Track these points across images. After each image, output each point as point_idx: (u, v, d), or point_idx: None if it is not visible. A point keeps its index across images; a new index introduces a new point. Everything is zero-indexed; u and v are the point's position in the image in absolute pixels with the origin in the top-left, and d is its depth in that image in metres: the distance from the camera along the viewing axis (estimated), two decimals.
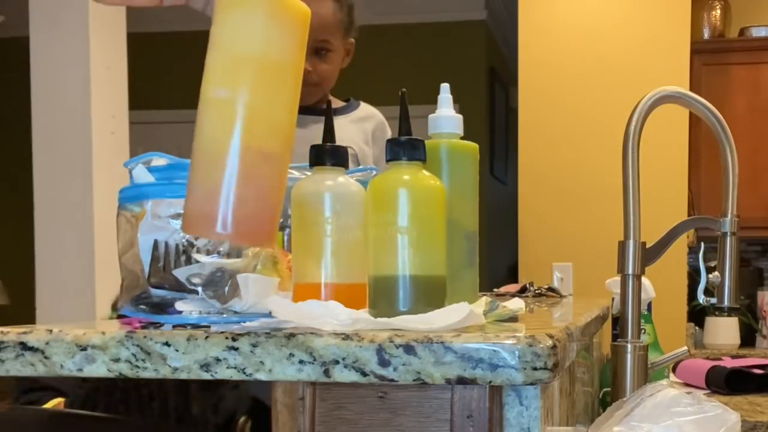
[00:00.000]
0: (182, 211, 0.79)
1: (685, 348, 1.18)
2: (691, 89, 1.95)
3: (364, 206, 0.76)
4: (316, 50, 1.70)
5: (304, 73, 0.70)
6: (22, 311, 2.85)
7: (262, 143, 0.57)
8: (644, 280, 1.16)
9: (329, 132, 0.79)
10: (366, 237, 0.75)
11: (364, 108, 1.89)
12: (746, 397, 1.70)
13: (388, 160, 0.75)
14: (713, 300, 1.12)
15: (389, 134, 1.83)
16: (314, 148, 0.78)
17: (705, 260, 1.10)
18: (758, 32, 3.76)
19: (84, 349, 0.68)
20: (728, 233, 1.11)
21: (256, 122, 0.58)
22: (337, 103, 1.86)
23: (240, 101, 0.58)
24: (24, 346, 0.69)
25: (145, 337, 0.68)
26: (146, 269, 0.81)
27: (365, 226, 0.75)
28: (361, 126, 1.84)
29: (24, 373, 0.69)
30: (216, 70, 0.59)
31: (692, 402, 0.81)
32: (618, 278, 1.11)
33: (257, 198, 0.58)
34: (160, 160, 0.83)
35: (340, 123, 1.81)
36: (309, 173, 0.80)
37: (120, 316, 0.85)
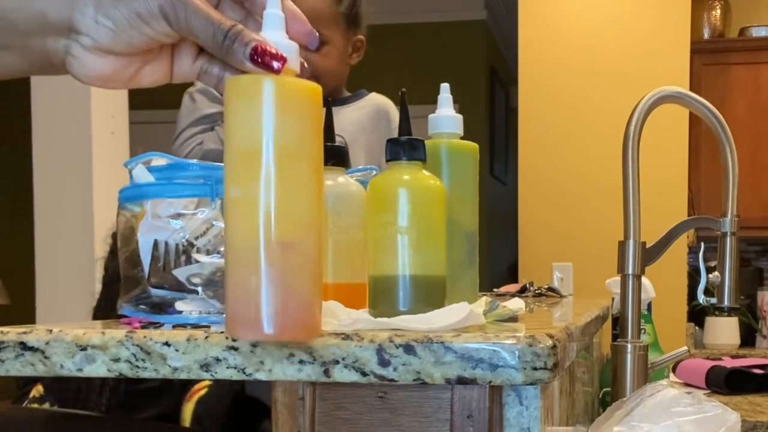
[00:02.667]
0: (184, 212, 0.79)
1: (685, 348, 1.18)
2: (691, 89, 1.95)
3: (364, 206, 0.76)
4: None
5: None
6: (22, 311, 2.85)
7: (279, 236, 0.57)
8: (644, 280, 1.16)
9: (329, 131, 0.79)
10: (366, 237, 0.75)
11: (372, 98, 1.88)
12: (746, 397, 1.70)
13: (388, 160, 0.75)
14: (713, 300, 1.12)
15: (395, 122, 1.81)
16: None
17: (705, 260, 1.10)
18: (758, 32, 3.76)
19: (84, 349, 0.68)
20: (728, 233, 1.11)
21: (271, 216, 0.57)
22: (344, 94, 1.86)
23: (252, 198, 0.57)
24: (24, 346, 0.69)
25: (145, 337, 0.68)
26: (146, 269, 0.81)
27: (365, 226, 0.75)
28: (360, 113, 1.84)
29: (24, 373, 0.69)
30: (229, 168, 0.59)
31: (692, 402, 0.81)
32: (618, 278, 1.11)
33: (285, 291, 0.57)
34: (160, 160, 0.83)
35: (342, 111, 1.81)
36: None
37: (120, 316, 0.85)
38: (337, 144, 0.79)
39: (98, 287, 1.72)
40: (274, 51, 0.58)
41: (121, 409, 1.50)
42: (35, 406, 1.53)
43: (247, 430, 1.54)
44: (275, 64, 0.58)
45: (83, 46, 0.60)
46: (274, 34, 0.59)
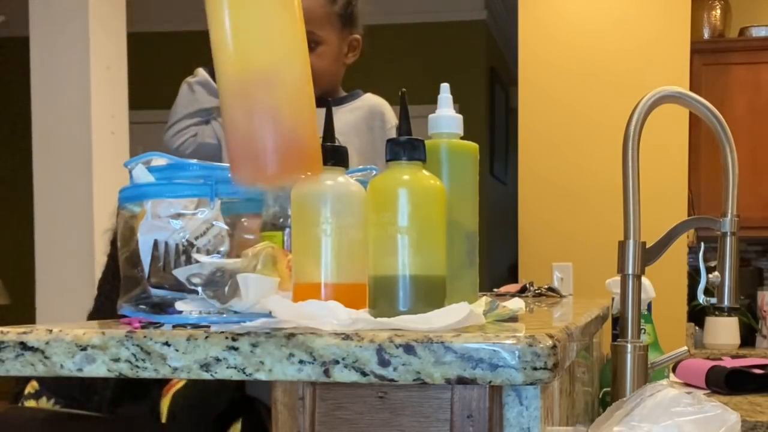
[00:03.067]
0: (184, 212, 0.79)
1: (685, 348, 1.18)
2: (691, 89, 1.95)
3: (364, 206, 0.76)
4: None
5: None
6: (22, 311, 2.85)
7: (253, 63, 0.58)
8: (644, 280, 1.16)
9: (329, 131, 0.79)
10: (366, 237, 0.75)
11: (367, 98, 1.86)
12: (746, 397, 1.70)
13: (388, 160, 0.75)
14: (713, 300, 1.12)
15: (390, 122, 1.80)
16: None
17: (705, 260, 1.10)
18: (758, 32, 3.76)
19: (84, 349, 0.68)
20: (728, 233, 1.11)
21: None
22: (340, 94, 1.85)
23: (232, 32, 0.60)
24: (24, 346, 0.69)
25: (145, 337, 0.68)
26: (146, 269, 0.81)
27: (365, 226, 0.75)
28: (354, 115, 1.83)
29: (24, 373, 0.69)
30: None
31: (692, 402, 0.81)
32: (618, 278, 1.11)
33: (262, 126, 0.58)
34: (160, 160, 0.83)
35: (337, 113, 1.80)
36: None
37: (119, 317, 0.85)
38: (337, 144, 0.79)
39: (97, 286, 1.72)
40: None
41: (113, 402, 1.50)
42: (32, 402, 1.53)
43: (223, 424, 1.53)
44: None
45: None
46: None
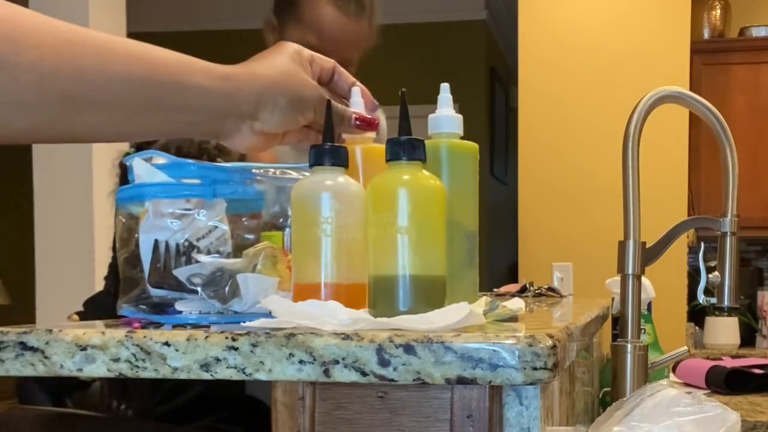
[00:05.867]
0: (185, 213, 0.80)
1: (685, 348, 1.18)
2: (691, 89, 1.95)
3: (363, 206, 0.76)
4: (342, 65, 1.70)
5: None
6: (22, 311, 2.85)
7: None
8: (644, 280, 1.16)
9: (328, 132, 0.79)
10: (365, 236, 0.75)
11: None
12: (746, 397, 1.70)
13: (388, 160, 0.75)
14: (713, 300, 1.12)
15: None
16: (313, 148, 0.78)
17: (705, 260, 1.10)
18: (758, 32, 3.76)
19: (84, 349, 0.68)
20: (728, 233, 1.11)
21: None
22: None
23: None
24: (24, 346, 0.69)
25: (145, 337, 0.68)
26: (146, 269, 0.81)
27: (365, 226, 0.75)
28: None
29: (24, 373, 0.69)
30: None
31: (692, 402, 0.81)
32: (618, 278, 1.11)
33: None
34: (159, 159, 0.83)
35: None
36: (308, 174, 0.80)
37: (118, 317, 0.85)
38: (336, 144, 0.79)
39: (100, 283, 1.72)
40: (368, 119, 0.89)
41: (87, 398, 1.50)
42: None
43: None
44: (371, 127, 0.89)
45: (252, 128, 0.81)
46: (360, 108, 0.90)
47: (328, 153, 0.78)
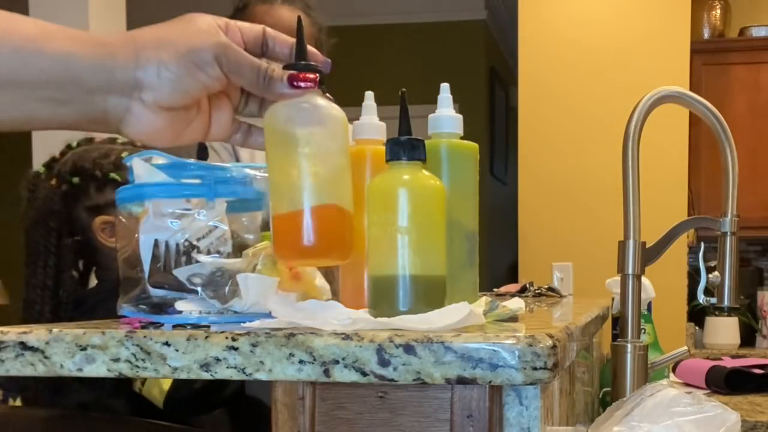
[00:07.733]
0: (185, 213, 0.80)
1: (685, 348, 1.18)
2: (691, 89, 1.95)
3: (345, 132, 0.75)
4: None
5: None
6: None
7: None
8: (644, 280, 1.16)
9: (301, 51, 0.76)
10: (348, 163, 0.75)
11: None
12: (746, 397, 1.70)
13: (387, 160, 0.75)
14: (713, 300, 1.12)
15: None
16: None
17: (705, 260, 1.10)
18: (758, 32, 3.77)
19: (84, 348, 0.68)
20: (728, 233, 1.11)
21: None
22: None
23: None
24: (24, 346, 0.69)
25: (145, 337, 0.68)
26: (146, 269, 0.81)
27: (347, 153, 0.75)
28: None
29: (24, 373, 0.69)
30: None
31: (692, 402, 0.81)
32: (618, 278, 1.11)
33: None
34: (159, 159, 0.83)
35: None
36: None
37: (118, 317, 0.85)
38: (313, 64, 0.74)
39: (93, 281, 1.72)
40: (303, 75, 0.71)
41: (51, 389, 1.50)
42: None
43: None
44: (308, 84, 0.71)
45: (143, 102, 0.68)
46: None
47: (303, 70, 0.73)
